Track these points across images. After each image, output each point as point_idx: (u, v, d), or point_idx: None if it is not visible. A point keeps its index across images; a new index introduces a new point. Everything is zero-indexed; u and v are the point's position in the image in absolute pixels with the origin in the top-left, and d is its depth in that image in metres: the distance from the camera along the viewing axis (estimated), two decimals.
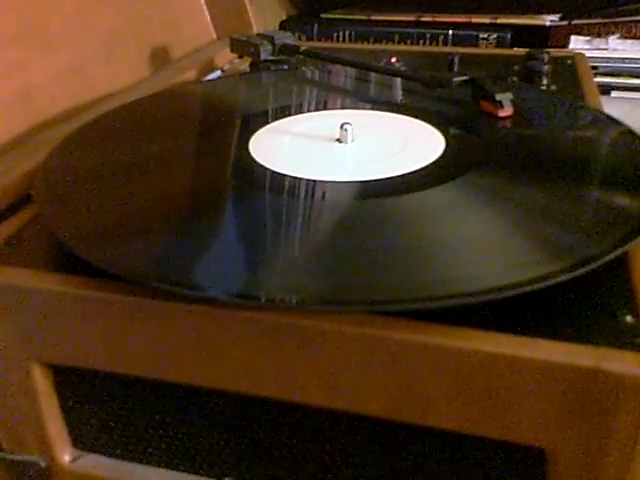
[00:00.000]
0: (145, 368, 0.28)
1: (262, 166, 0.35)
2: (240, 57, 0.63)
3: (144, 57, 0.59)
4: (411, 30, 0.88)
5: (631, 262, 0.27)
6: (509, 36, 0.84)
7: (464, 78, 0.43)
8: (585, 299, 0.25)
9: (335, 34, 0.91)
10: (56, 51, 0.48)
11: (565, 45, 0.82)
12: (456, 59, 0.54)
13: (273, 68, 0.53)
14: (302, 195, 0.31)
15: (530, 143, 0.37)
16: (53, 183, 0.33)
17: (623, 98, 0.79)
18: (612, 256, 0.25)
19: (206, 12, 0.70)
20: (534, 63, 0.51)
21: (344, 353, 0.25)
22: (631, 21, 0.82)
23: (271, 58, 0.54)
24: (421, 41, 0.88)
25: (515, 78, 0.52)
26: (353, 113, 0.43)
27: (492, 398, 0.24)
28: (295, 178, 0.33)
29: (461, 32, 0.86)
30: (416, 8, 0.93)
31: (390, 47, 0.75)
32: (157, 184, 0.33)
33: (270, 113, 0.43)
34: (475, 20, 0.88)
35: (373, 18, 0.92)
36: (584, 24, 0.84)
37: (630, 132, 0.37)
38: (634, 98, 0.79)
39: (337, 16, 0.95)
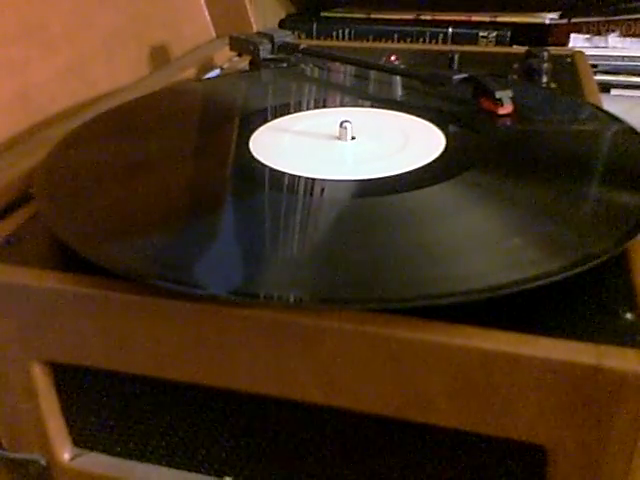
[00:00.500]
0: (145, 366, 0.28)
1: (262, 164, 0.35)
2: (240, 55, 0.63)
3: (144, 56, 0.59)
4: (411, 28, 0.88)
5: (631, 259, 0.27)
6: (509, 34, 0.84)
7: (464, 76, 0.43)
8: (585, 297, 0.25)
9: (334, 32, 0.91)
10: (56, 50, 0.48)
11: (565, 43, 0.82)
12: (456, 57, 0.53)
13: (273, 66, 0.53)
14: (302, 193, 0.31)
15: (530, 141, 0.37)
16: (53, 182, 0.33)
17: (623, 96, 0.79)
18: (612, 254, 0.25)
19: (206, 11, 0.70)
20: (534, 61, 0.51)
21: (344, 351, 0.25)
22: (631, 19, 0.82)
23: (271, 56, 0.54)
24: (421, 39, 0.88)
25: (515, 76, 0.52)
26: (353, 111, 0.43)
27: (492, 396, 0.24)
28: (295, 176, 0.33)
29: (461, 30, 0.86)
30: (416, 6, 0.93)
31: (390, 45, 0.75)
32: (157, 182, 0.33)
33: (270, 111, 0.43)
34: (475, 18, 0.88)
35: (373, 16, 0.92)
36: (584, 22, 0.84)
37: (630, 129, 0.37)
38: (634, 96, 0.79)
39: (336, 14, 0.95)
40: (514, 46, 0.82)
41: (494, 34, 0.84)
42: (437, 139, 0.38)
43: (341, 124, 0.38)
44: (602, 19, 0.83)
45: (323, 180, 0.33)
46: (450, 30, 0.86)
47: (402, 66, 0.54)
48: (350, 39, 0.90)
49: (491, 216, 0.29)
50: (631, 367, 0.22)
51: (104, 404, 0.32)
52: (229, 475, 0.32)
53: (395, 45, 0.77)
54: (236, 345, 0.26)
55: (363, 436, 0.28)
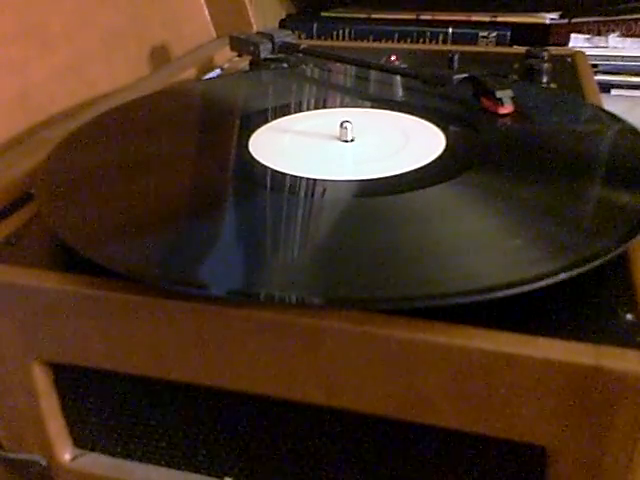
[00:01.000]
0: (146, 366, 0.28)
1: (262, 165, 0.35)
2: (240, 55, 0.63)
3: (144, 56, 0.59)
4: (411, 28, 0.88)
5: (631, 260, 0.27)
6: (509, 34, 0.84)
7: (464, 76, 0.43)
8: (585, 297, 0.25)
9: (335, 32, 0.91)
10: (56, 50, 0.48)
11: (565, 43, 0.82)
12: (456, 57, 0.53)
13: (273, 66, 0.53)
14: (302, 193, 0.31)
15: (530, 141, 0.37)
16: (53, 182, 0.33)
17: (623, 96, 0.79)
18: (613, 254, 0.25)
19: (206, 10, 0.70)
20: (534, 61, 0.51)
21: (344, 351, 0.25)
22: (631, 19, 0.82)
23: (271, 56, 0.54)
24: (421, 39, 0.88)
25: (515, 76, 0.52)
26: (353, 111, 0.43)
27: (492, 396, 0.24)
28: (295, 177, 0.33)
29: (461, 30, 0.86)
30: (416, 6, 0.93)
31: (390, 45, 0.75)
32: (157, 183, 0.33)
33: (270, 111, 0.43)
34: (475, 18, 0.88)
35: (373, 16, 0.92)
36: (584, 22, 0.84)
37: (631, 130, 0.37)
38: (634, 96, 0.79)
39: (337, 14, 0.95)
40: (514, 46, 0.82)
41: (494, 34, 0.84)
42: (437, 139, 0.38)
43: (341, 124, 0.38)
44: (602, 19, 0.83)
45: (323, 180, 0.33)
46: (450, 30, 0.86)
47: (402, 66, 0.54)
48: (350, 39, 0.90)
49: (491, 216, 0.29)
50: (631, 368, 0.22)
51: (104, 405, 0.32)
52: (229, 476, 0.32)
53: (395, 45, 0.77)
54: (237, 345, 0.26)
55: (363, 436, 0.28)
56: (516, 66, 0.55)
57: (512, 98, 0.40)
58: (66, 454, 0.33)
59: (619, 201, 0.30)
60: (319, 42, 0.76)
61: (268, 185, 0.32)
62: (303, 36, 0.91)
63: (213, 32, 0.71)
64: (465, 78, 0.43)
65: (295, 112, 0.43)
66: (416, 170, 0.34)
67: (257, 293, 0.25)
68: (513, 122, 0.40)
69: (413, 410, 0.25)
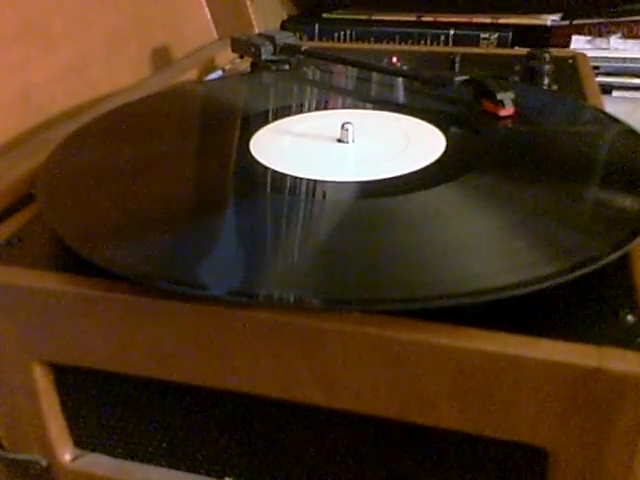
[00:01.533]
0: (146, 367, 0.28)
1: (263, 166, 0.35)
2: (241, 57, 0.63)
3: (145, 57, 0.59)
4: (412, 30, 0.88)
5: (632, 262, 0.27)
6: (510, 36, 0.84)
7: (465, 78, 0.43)
8: (587, 299, 0.25)
9: (336, 34, 0.91)
10: (57, 50, 0.48)
11: (566, 45, 0.82)
12: (457, 59, 0.54)
13: (274, 68, 0.53)
14: (303, 195, 0.31)
15: (531, 143, 0.37)
16: (54, 183, 0.33)
17: (624, 98, 0.79)
18: (614, 256, 0.25)
19: (207, 12, 0.70)
20: (535, 63, 0.51)
21: (345, 352, 0.25)
22: (632, 21, 0.82)
23: (272, 58, 0.54)
24: (422, 41, 0.88)
25: (516, 78, 0.52)
26: (354, 113, 0.43)
27: (494, 397, 0.24)
28: (296, 178, 0.33)
29: (462, 32, 0.86)
30: (417, 8, 0.93)
31: (391, 47, 0.75)
32: (158, 184, 0.33)
33: (271, 113, 0.43)
34: (476, 20, 0.88)
35: (374, 18, 0.92)
36: (585, 24, 0.84)
37: (632, 131, 0.37)
38: (635, 98, 0.79)
39: (338, 16, 0.95)
40: (515, 48, 0.82)
41: (495, 36, 0.84)
42: (438, 141, 0.38)
43: (342, 126, 0.38)
44: (604, 21, 0.83)
45: (324, 182, 0.33)
46: (451, 32, 0.86)
47: (403, 68, 0.54)
48: (352, 41, 0.90)
49: (492, 218, 0.29)
50: (632, 369, 0.22)
51: (105, 405, 0.32)
52: (229, 476, 0.32)
53: (396, 47, 0.77)
54: (237, 346, 0.26)
55: (364, 437, 0.28)
56: (517, 68, 0.55)
57: (513, 100, 0.40)
58: (66, 454, 0.33)
59: (620, 203, 0.30)
60: (320, 44, 0.76)
61: (269, 186, 0.32)
62: (304, 38, 0.91)
63: (214, 34, 0.71)
64: (466, 80, 0.43)
65: (296, 113, 0.43)
66: (417, 172, 0.34)
67: (257, 294, 0.25)
68: (514, 124, 0.40)
69: (414, 411, 0.25)
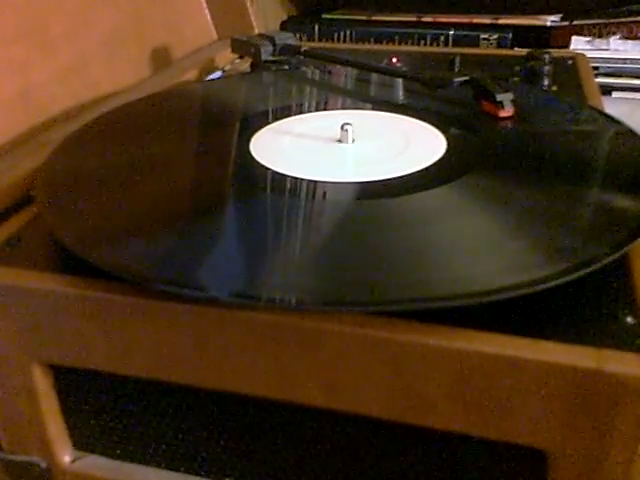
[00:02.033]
0: (146, 369, 0.28)
1: (263, 166, 0.35)
2: (241, 57, 0.63)
3: (145, 57, 0.59)
4: (412, 30, 0.89)
5: (632, 263, 0.27)
6: (510, 36, 0.84)
7: (465, 78, 0.43)
8: (586, 300, 0.25)
9: (336, 34, 0.91)
10: (57, 51, 0.48)
11: (566, 45, 0.83)
12: (457, 59, 0.54)
13: (274, 68, 0.53)
14: (303, 196, 0.31)
15: (531, 144, 0.37)
16: (54, 184, 0.33)
17: (624, 99, 0.79)
18: (613, 258, 0.25)
19: (207, 12, 0.70)
20: (535, 64, 0.51)
21: (344, 354, 0.25)
22: (632, 22, 0.82)
23: (272, 58, 0.54)
24: (422, 41, 0.88)
25: (516, 79, 0.52)
26: (354, 113, 0.43)
27: (493, 399, 0.24)
28: (296, 179, 0.33)
29: (462, 32, 0.86)
30: (417, 8, 0.93)
31: (391, 47, 0.75)
32: (158, 184, 0.33)
33: (271, 113, 0.43)
34: (476, 20, 0.88)
35: (374, 18, 0.93)
36: (585, 25, 0.84)
37: (631, 133, 0.37)
38: (635, 99, 0.79)
39: (338, 16, 0.96)
40: (515, 48, 0.82)
41: (495, 36, 0.84)
42: (438, 142, 0.38)
43: (342, 126, 0.38)
44: (603, 21, 0.83)
45: (324, 182, 0.33)
46: (451, 32, 0.86)
47: (403, 68, 0.54)
48: (351, 41, 0.91)
49: (492, 219, 0.29)
50: (631, 371, 0.22)
51: (104, 407, 0.32)
52: (229, 477, 0.32)
53: (396, 47, 0.78)
54: (237, 348, 0.26)
55: (363, 438, 0.28)
56: (517, 68, 0.55)
57: (512, 101, 0.40)
58: (66, 456, 0.33)
59: (619, 204, 0.30)
60: (320, 44, 0.76)
61: (269, 187, 0.32)
62: (304, 38, 0.92)
63: (214, 34, 0.71)
64: (466, 81, 0.43)
65: (296, 114, 0.43)
66: (416, 172, 0.34)
67: (258, 295, 0.25)
68: (513, 125, 0.40)
69: (413, 413, 0.25)
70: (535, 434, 0.24)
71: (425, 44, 0.88)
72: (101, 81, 0.52)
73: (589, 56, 0.59)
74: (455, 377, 0.24)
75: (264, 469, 0.31)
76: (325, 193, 0.32)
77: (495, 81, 0.42)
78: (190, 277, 0.26)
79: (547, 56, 0.53)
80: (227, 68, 0.62)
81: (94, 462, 0.33)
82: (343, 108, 0.44)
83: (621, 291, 0.26)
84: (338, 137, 0.38)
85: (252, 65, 0.55)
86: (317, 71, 0.52)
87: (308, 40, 0.92)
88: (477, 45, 0.85)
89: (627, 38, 0.82)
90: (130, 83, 0.55)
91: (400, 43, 0.88)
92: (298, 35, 0.89)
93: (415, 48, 0.73)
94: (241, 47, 0.55)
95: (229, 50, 0.57)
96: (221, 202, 0.31)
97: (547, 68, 0.51)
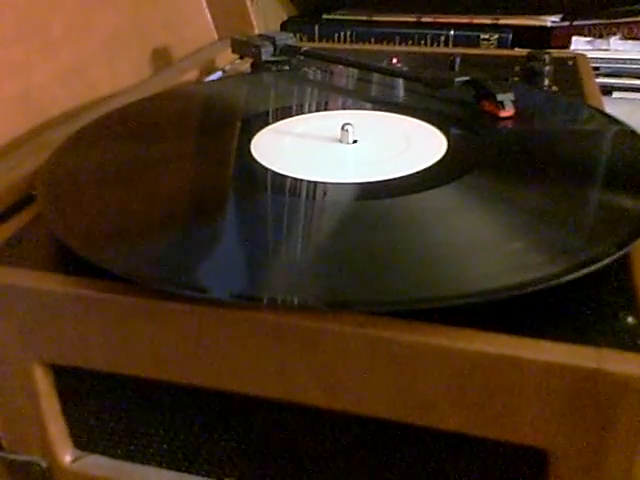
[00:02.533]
0: (146, 368, 0.28)
1: (263, 167, 0.35)
2: (241, 58, 0.63)
3: (145, 58, 0.59)
4: (412, 31, 0.89)
5: (632, 263, 0.27)
6: (510, 37, 0.84)
7: (465, 79, 0.43)
8: (586, 300, 0.25)
9: (336, 35, 0.91)
10: (57, 52, 0.48)
11: (566, 46, 0.83)
12: (457, 60, 0.54)
13: (274, 69, 0.53)
14: (303, 196, 0.31)
15: (532, 144, 0.37)
16: (55, 184, 0.33)
17: (624, 99, 0.79)
18: (613, 257, 0.25)
19: (207, 13, 0.70)
20: (535, 64, 0.51)
21: (345, 354, 0.25)
22: (632, 22, 0.82)
23: (272, 59, 0.54)
24: (422, 42, 0.88)
25: (516, 79, 0.52)
26: (354, 114, 0.43)
27: (493, 399, 0.24)
28: (296, 179, 0.33)
29: (462, 33, 0.86)
30: (417, 9, 0.93)
31: (391, 48, 0.75)
32: (158, 185, 0.33)
33: (271, 114, 0.43)
34: (476, 21, 0.88)
35: (374, 19, 0.93)
36: (585, 25, 0.84)
37: (632, 132, 0.37)
38: (635, 99, 0.79)
39: (338, 17, 0.96)
40: (516, 49, 0.82)
41: (496, 37, 0.84)
42: (439, 142, 0.38)
43: (343, 127, 0.38)
44: (604, 22, 0.83)
45: (325, 183, 0.33)
46: (452, 33, 0.87)
47: (404, 69, 0.54)
48: (352, 41, 0.91)
49: (492, 219, 0.29)
50: (632, 371, 0.22)
51: (105, 406, 0.32)
52: (229, 477, 0.32)
53: (397, 47, 0.78)
54: (237, 348, 0.26)
55: (364, 438, 0.28)
56: (517, 69, 0.55)
57: (513, 101, 0.40)
58: (66, 456, 0.33)
59: (620, 204, 0.30)
60: (320, 44, 0.76)
61: (270, 187, 0.32)
62: (305, 38, 0.92)
63: (215, 34, 0.71)
64: (466, 81, 0.43)
65: (296, 114, 0.43)
66: (417, 173, 0.34)
67: (258, 296, 0.25)
68: (514, 125, 0.40)
69: (414, 412, 0.25)
70: (536, 434, 0.24)
71: (425, 44, 0.88)
72: (101, 82, 0.52)
73: (589, 56, 0.59)
74: (456, 377, 0.24)
75: (264, 469, 0.31)
76: (325, 193, 0.32)
77: (496, 81, 0.42)
78: (191, 277, 0.26)
79: (547, 56, 0.53)
80: (227, 68, 0.62)
81: (95, 462, 0.33)
82: (344, 108, 0.44)
83: (622, 291, 0.26)
84: (339, 137, 0.38)
85: (252, 65, 0.55)
86: (318, 71, 0.52)
87: (308, 40, 0.92)
88: (477, 45, 0.85)
89: (627, 38, 0.82)
90: (130, 84, 0.55)
91: (400, 43, 0.88)
92: (298, 35, 0.90)
93: (415, 48, 0.73)
94: (241, 47, 0.55)
95: (229, 50, 0.57)
96: (222, 202, 0.31)
97: (547, 68, 0.51)
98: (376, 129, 0.40)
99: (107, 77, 0.53)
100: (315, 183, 0.33)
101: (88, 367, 0.29)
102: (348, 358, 0.25)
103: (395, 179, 0.33)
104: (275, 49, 0.54)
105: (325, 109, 0.44)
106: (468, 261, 0.26)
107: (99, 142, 0.39)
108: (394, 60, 0.58)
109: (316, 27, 0.92)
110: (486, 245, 0.27)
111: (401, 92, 0.47)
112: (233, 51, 0.57)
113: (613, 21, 0.83)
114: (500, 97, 0.40)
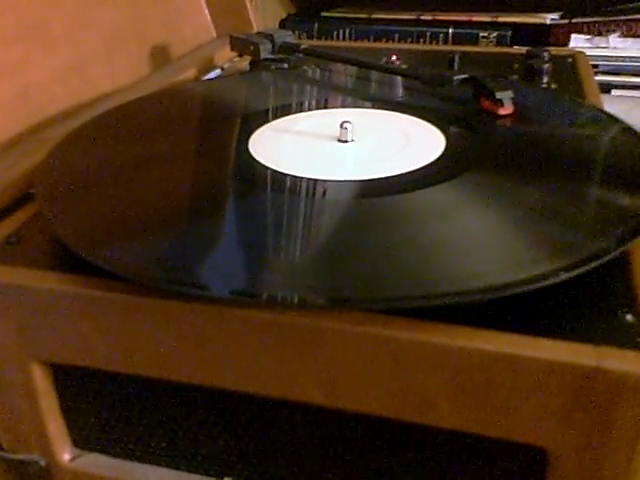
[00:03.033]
0: (145, 367, 0.28)
1: (262, 165, 0.35)
2: (240, 56, 0.63)
3: (144, 56, 0.59)
4: (411, 28, 0.88)
5: (632, 261, 0.27)
6: (509, 34, 0.84)
7: (464, 76, 0.43)
8: (586, 298, 0.25)
9: (335, 32, 0.91)
10: (56, 50, 0.48)
11: (566, 43, 0.82)
12: (456, 57, 0.53)
13: (273, 67, 0.53)
14: (302, 194, 0.31)
15: (530, 141, 0.37)
16: (53, 182, 0.33)
17: (623, 97, 0.79)
18: (613, 255, 0.25)
19: (206, 11, 0.70)
20: (534, 61, 0.51)
21: (345, 352, 0.25)
22: (631, 19, 0.82)
23: (271, 57, 0.54)
24: (421, 39, 0.88)
25: (515, 77, 0.52)
26: (353, 112, 0.43)
27: (493, 397, 0.24)
28: (295, 177, 0.33)
29: (461, 30, 0.86)
30: (416, 6, 0.93)
31: (390, 45, 0.75)
32: (157, 183, 0.33)
33: (270, 112, 0.43)
34: (476, 18, 0.88)
35: (373, 16, 0.92)
36: (585, 22, 0.84)
37: (630, 130, 0.37)
38: (634, 97, 0.79)
39: (337, 14, 0.96)
40: (515, 46, 0.82)
41: (495, 34, 0.84)
42: (437, 140, 0.38)
43: (341, 125, 0.38)
44: (603, 19, 0.83)
45: (323, 181, 0.33)
46: (451, 30, 0.86)
47: (403, 66, 0.54)
48: (351, 39, 0.90)
49: (491, 217, 0.29)
50: (631, 369, 0.22)
51: (104, 405, 0.32)
52: (229, 476, 0.32)
53: (396, 45, 0.77)
54: (237, 346, 0.26)
55: (364, 437, 0.28)
56: (516, 66, 0.55)
57: (512, 99, 0.40)
58: (65, 454, 0.33)
59: (619, 202, 0.30)
60: (319, 42, 0.76)
61: (268, 185, 0.32)
62: (303, 36, 0.91)
63: (213, 32, 0.71)
64: (465, 79, 0.43)
65: (295, 112, 0.43)
66: (416, 170, 0.34)
67: (258, 294, 0.25)
68: (513, 123, 0.40)
69: (413, 411, 0.25)
70: (535, 432, 0.24)
71: (424, 42, 0.88)
72: (101, 80, 0.52)
73: (588, 54, 0.59)
74: (455, 375, 0.24)
75: (264, 468, 0.31)
76: (324, 191, 0.32)
77: (494, 79, 0.42)
78: (190, 275, 0.26)
79: (546, 54, 0.53)
80: (226, 66, 0.62)
81: (94, 460, 0.33)
82: (342, 106, 0.44)
83: (621, 289, 0.26)
84: (337, 135, 0.38)
85: (251, 63, 0.55)
86: (316, 69, 0.52)
87: (307, 38, 0.92)
88: (476, 43, 0.85)
89: (627, 36, 0.82)
90: (129, 82, 0.55)
91: (399, 41, 0.88)
92: (297, 33, 0.89)
93: (414, 46, 0.73)
94: (240, 45, 0.55)
95: (228, 48, 0.57)
96: (220, 201, 0.31)
97: (546, 66, 0.51)
98: (375, 127, 0.40)
99: (106, 75, 0.53)
100: (314, 181, 0.33)
101: (87, 365, 0.29)
102: (347, 356, 0.25)
103: (393, 177, 0.33)
104: (274, 47, 0.54)
105: (324, 107, 0.44)
106: (467, 258, 0.26)
107: (98, 140, 0.39)
108: (393, 58, 0.57)
109: (315, 25, 0.92)
110: (485, 243, 0.27)
111: (400, 90, 0.47)
112: (232, 49, 0.57)
113: (612, 19, 0.83)
114: (499, 95, 0.40)
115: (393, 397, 0.25)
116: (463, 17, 0.88)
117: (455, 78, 0.43)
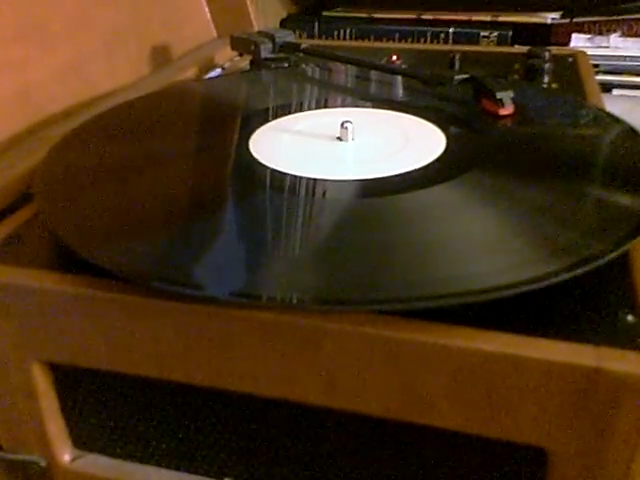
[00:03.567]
0: (145, 367, 0.28)
1: (262, 164, 0.35)
2: (240, 55, 0.63)
3: (144, 55, 0.59)
4: (412, 28, 0.88)
5: (632, 261, 0.27)
6: (510, 34, 0.84)
7: (465, 76, 0.43)
8: (586, 298, 0.25)
9: (336, 32, 0.91)
10: (56, 49, 0.48)
11: (566, 43, 0.82)
12: (457, 57, 0.53)
13: (274, 66, 0.53)
14: (302, 194, 0.31)
15: (531, 141, 0.37)
16: (53, 182, 0.33)
17: (624, 96, 0.79)
18: (613, 255, 0.25)
19: (206, 10, 0.70)
20: (535, 61, 0.51)
21: (345, 353, 0.25)
22: (633, 19, 0.82)
23: (272, 56, 0.54)
24: (422, 39, 0.88)
25: (516, 76, 0.52)
26: (354, 111, 0.43)
27: (493, 397, 0.24)
28: (295, 177, 0.33)
29: (462, 30, 0.86)
30: (417, 6, 0.93)
31: (391, 45, 0.75)
32: (157, 183, 0.33)
33: (270, 111, 0.43)
34: (476, 18, 0.88)
35: (374, 16, 0.92)
36: (585, 22, 0.84)
37: (631, 130, 0.37)
38: (635, 96, 0.78)
39: (338, 14, 0.95)
40: (515, 46, 0.82)
41: (495, 34, 0.84)
42: (438, 139, 0.37)
43: (342, 124, 0.38)
44: (604, 19, 0.83)
45: (324, 180, 0.33)
46: (451, 30, 0.86)
47: (403, 66, 0.54)
48: (351, 39, 0.90)
49: (492, 217, 0.29)
50: (631, 369, 0.22)
51: (104, 405, 0.32)
52: (229, 476, 0.32)
53: (396, 45, 0.77)
54: (237, 347, 0.26)
55: (364, 437, 0.28)
56: (517, 66, 0.55)
57: (512, 99, 0.40)
58: (66, 455, 0.33)
59: (619, 202, 0.30)
60: (320, 42, 0.76)
61: (268, 185, 0.32)
62: (304, 36, 0.91)
63: (214, 32, 0.71)
64: (466, 78, 0.43)
65: (296, 112, 0.43)
66: (416, 170, 0.34)
67: (258, 294, 0.24)
68: (513, 123, 0.40)
69: (413, 411, 0.25)
70: (535, 432, 0.24)
71: (425, 42, 0.87)
72: (100, 79, 0.52)
73: (589, 53, 0.59)
74: (455, 375, 0.24)
75: (264, 469, 0.31)
76: (325, 191, 0.32)
77: (495, 79, 0.42)
78: (190, 276, 0.26)
79: (547, 54, 0.53)
80: (226, 66, 0.62)
81: (94, 461, 0.33)
82: (343, 106, 0.44)
83: (621, 289, 0.26)
84: (338, 135, 0.38)
85: (252, 63, 0.55)
86: (317, 69, 0.52)
87: (308, 38, 0.91)
88: (477, 43, 0.85)
89: (627, 35, 0.82)
90: (129, 81, 0.55)
91: (400, 41, 0.88)
92: (298, 32, 0.89)
93: (415, 46, 0.73)
94: (241, 45, 0.55)
95: (229, 48, 0.57)
96: (220, 201, 0.31)
97: (547, 66, 0.51)
98: (375, 126, 0.40)
99: (106, 75, 0.53)
100: (314, 180, 0.33)
101: (87, 366, 0.29)
102: (347, 356, 0.25)
103: (394, 176, 0.33)
104: (274, 46, 0.54)
105: (324, 106, 0.44)
106: (467, 259, 0.26)
107: (97, 140, 0.39)
108: (394, 57, 0.57)
109: (316, 24, 0.92)
110: (485, 243, 0.27)
111: (400, 90, 0.47)
112: (232, 48, 0.57)
113: (613, 18, 0.83)
114: (499, 95, 0.40)
115: (393, 397, 0.25)
116: (464, 17, 0.88)
117: (455, 78, 0.43)
